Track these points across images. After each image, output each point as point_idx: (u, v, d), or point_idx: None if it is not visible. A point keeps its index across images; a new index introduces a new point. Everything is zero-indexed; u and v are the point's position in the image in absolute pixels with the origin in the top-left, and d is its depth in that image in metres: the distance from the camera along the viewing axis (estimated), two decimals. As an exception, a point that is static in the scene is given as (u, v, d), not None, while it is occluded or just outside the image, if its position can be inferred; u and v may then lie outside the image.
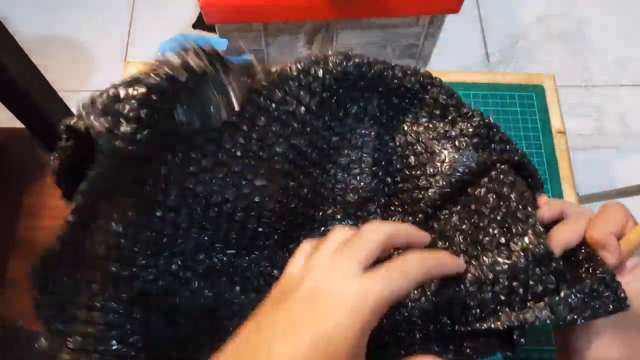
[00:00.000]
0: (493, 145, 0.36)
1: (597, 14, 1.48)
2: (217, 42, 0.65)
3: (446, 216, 0.36)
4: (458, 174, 0.35)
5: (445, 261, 0.33)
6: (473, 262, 0.32)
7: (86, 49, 1.45)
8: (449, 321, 0.32)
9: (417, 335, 0.33)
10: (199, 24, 1.46)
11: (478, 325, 0.31)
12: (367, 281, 0.29)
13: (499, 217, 0.33)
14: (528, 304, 0.30)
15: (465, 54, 1.42)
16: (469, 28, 1.47)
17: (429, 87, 0.36)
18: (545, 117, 0.60)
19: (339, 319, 0.28)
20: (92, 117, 0.27)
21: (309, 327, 0.28)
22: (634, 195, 0.99)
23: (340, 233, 0.33)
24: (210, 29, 0.98)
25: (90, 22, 1.48)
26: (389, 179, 0.38)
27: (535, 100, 0.61)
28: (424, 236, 0.34)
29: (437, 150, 0.36)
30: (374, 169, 0.38)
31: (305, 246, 0.33)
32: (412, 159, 0.37)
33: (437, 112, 0.37)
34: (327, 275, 0.30)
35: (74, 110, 0.91)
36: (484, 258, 0.32)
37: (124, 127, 0.28)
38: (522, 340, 0.30)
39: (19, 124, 0.80)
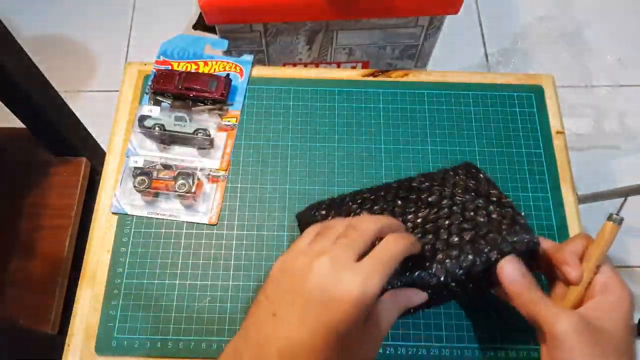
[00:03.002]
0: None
1: (596, 14, 1.49)
2: (217, 42, 0.65)
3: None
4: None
5: (413, 238, 0.40)
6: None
7: (86, 49, 1.45)
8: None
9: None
10: (199, 24, 1.46)
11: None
12: (365, 274, 0.35)
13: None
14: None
15: (465, 55, 1.43)
16: (468, 28, 1.47)
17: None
18: (544, 118, 0.60)
19: (346, 311, 0.34)
20: None
21: (322, 319, 0.34)
22: (634, 195, 0.99)
23: (340, 224, 0.39)
24: (211, 29, 0.99)
25: (91, 22, 1.48)
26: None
27: (534, 101, 0.61)
28: (402, 226, 0.42)
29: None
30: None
31: (312, 230, 0.40)
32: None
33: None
34: (332, 269, 0.35)
35: (74, 110, 0.92)
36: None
37: None
38: None
39: (19, 124, 0.80)
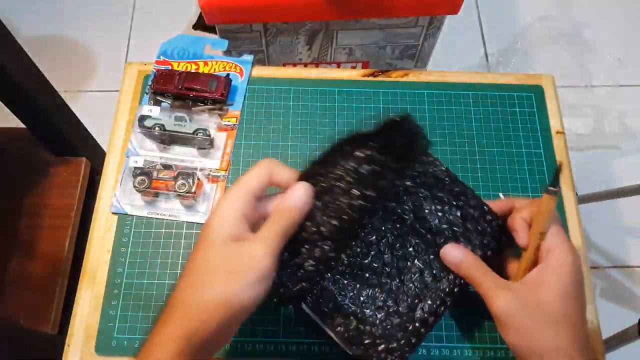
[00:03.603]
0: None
1: (596, 14, 1.49)
2: (217, 42, 0.65)
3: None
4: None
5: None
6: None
7: (86, 49, 1.45)
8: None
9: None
10: (199, 24, 1.46)
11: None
12: (227, 192, 0.39)
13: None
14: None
15: (465, 55, 1.43)
16: (468, 28, 1.47)
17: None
18: (544, 118, 0.60)
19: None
20: None
21: (202, 238, 0.38)
22: (634, 195, 0.99)
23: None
24: (211, 29, 0.99)
25: (91, 22, 1.48)
26: None
27: (534, 101, 0.61)
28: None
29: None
30: None
31: None
32: None
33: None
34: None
35: (74, 110, 0.92)
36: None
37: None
38: None
39: (19, 124, 0.80)
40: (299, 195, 0.39)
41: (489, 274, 0.41)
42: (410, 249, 0.46)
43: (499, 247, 0.46)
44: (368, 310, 0.44)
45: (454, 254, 0.44)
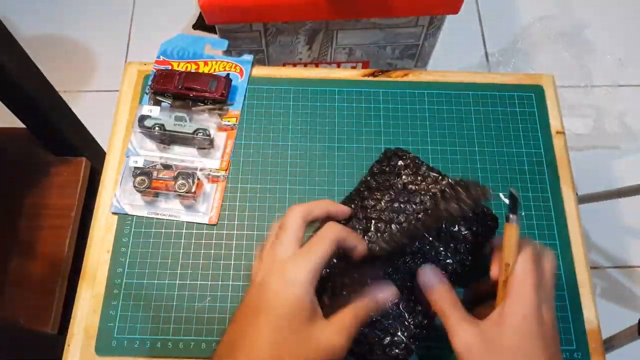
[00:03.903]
0: None
1: (596, 14, 1.49)
2: (217, 42, 0.65)
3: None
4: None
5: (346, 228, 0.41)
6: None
7: (86, 49, 1.45)
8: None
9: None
10: (199, 24, 1.46)
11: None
12: (297, 259, 0.37)
13: None
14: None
15: (465, 54, 1.43)
16: (468, 28, 1.47)
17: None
18: (544, 118, 0.60)
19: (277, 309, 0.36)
20: None
21: (267, 311, 0.36)
22: (634, 195, 0.99)
23: (272, 229, 0.42)
24: (211, 29, 0.99)
25: (91, 22, 1.48)
26: None
27: (534, 101, 0.61)
28: (342, 209, 0.45)
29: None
30: None
31: (259, 248, 0.42)
32: None
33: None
34: (270, 267, 0.38)
35: (74, 110, 0.92)
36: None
37: None
38: None
39: (19, 124, 0.80)
40: (388, 295, 0.40)
41: (457, 307, 0.40)
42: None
43: (485, 231, 0.47)
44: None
45: (428, 279, 0.42)
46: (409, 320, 0.44)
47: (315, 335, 0.36)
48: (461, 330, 0.38)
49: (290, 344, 0.35)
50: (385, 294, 0.40)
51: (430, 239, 0.46)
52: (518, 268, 0.38)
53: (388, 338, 0.43)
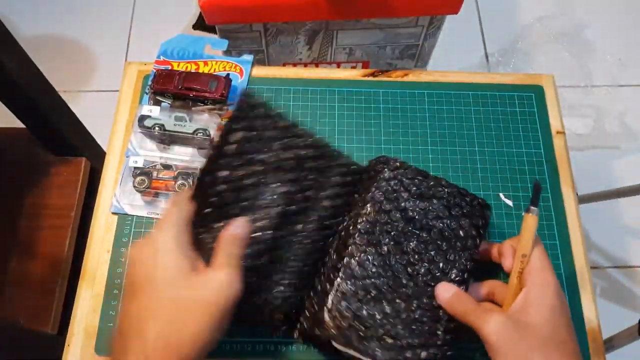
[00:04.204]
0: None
1: (596, 14, 1.49)
2: (217, 42, 0.65)
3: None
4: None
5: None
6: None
7: (86, 49, 1.45)
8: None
9: None
10: (199, 24, 1.46)
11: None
12: (159, 227, 0.40)
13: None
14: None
15: (465, 55, 1.43)
16: (468, 28, 1.47)
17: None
18: (544, 118, 0.60)
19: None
20: None
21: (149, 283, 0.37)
22: (634, 195, 0.99)
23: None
24: (211, 29, 0.99)
25: (91, 22, 1.48)
26: None
27: (534, 101, 0.61)
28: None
29: None
30: None
31: None
32: None
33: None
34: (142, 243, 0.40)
35: (74, 110, 0.92)
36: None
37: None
38: None
39: (19, 124, 0.80)
40: (240, 224, 0.41)
41: (477, 304, 0.41)
42: (410, 251, 0.46)
43: (485, 223, 0.47)
44: (399, 326, 0.43)
45: (442, 293, 0.43)
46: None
47: (202, 279, 0.37)
48: (490, 319, 0.39)
49: (184, 300, 0.36)
50: (238, 224, 0.41)
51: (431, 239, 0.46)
52: (536, 257, 0.41)
53: (424, 352, 0.42)
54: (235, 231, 0.41)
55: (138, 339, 0.35)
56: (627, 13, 1.50)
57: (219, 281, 0.37)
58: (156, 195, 0.55)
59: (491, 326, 0.39)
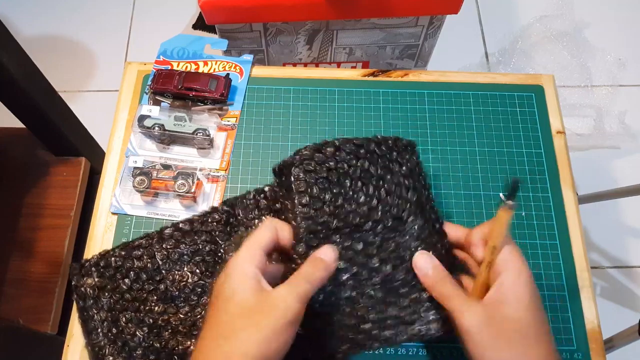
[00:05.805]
0: None
1: (596, 14, 1.48)
2: (217, 42, 0.65)
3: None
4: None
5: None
6: None
7: (86, 49, 1.45)
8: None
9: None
10: (199, 24, 1.46)
11: None
12: (239, 251, 0.40)
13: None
14: None
15: (465, 54, 1.42)
16: (468, 28, 1.47)
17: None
18: (544, 117, 0.60)
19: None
20: None
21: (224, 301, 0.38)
22: (634, 195, 0.99)
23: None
24: (211, 29, 0.99)
25: (91, 22, 1.48)
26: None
27: (534, 101, 0.61)
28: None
29: None
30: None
31: None
32: None
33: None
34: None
35: (74, 110, 0.92)
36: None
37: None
38: None
39: (19, 124, 0.80)
40: (329, 252, 0.41)
41: (458, 289, 0.41)
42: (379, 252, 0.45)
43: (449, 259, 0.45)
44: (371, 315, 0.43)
45: (422, 264, 0.43)
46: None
47: (269, 299, 0.37)
48: (469, 310, 0.38)
49: (244, 308, 0.37)
50: (324, 252, 0.41)
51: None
52: (507, 248, 0.40)
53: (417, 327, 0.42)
54: (318, 258, 0.41)
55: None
56: (627, 13, 1.50)
57: (286, 305, 0.37)
58: (156, 195, 0.55)
59: (469, 318, 0.38)
